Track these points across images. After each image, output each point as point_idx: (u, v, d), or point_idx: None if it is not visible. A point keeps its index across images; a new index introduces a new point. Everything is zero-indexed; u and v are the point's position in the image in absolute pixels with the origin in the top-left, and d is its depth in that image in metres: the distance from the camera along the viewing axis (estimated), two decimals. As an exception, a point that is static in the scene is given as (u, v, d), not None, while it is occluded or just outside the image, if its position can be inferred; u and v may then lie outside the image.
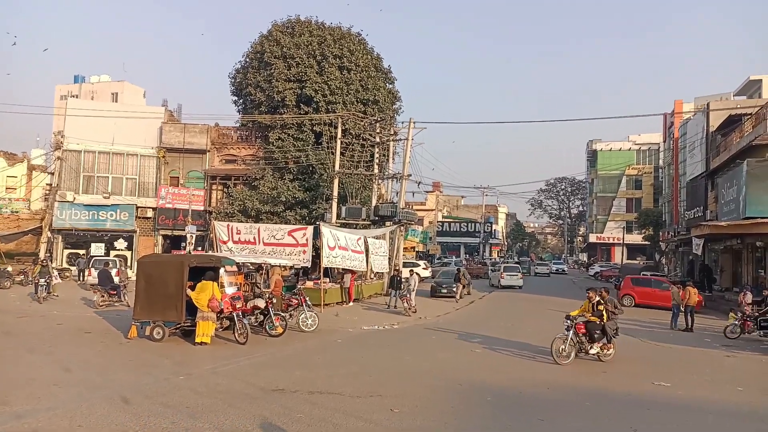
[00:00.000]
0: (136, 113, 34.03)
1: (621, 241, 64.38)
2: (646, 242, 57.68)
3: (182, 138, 34.31)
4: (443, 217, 70.84)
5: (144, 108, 37.72)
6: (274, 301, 14.68)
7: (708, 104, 35.65)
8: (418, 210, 65.14)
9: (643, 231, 57.29)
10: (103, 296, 19.46)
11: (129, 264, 30.99)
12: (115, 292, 19.74)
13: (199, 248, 30.23)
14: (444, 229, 65.70)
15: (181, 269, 13.29)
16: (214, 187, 34.66)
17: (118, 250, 33.30)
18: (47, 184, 36.87)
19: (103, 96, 60.42)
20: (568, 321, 12.09)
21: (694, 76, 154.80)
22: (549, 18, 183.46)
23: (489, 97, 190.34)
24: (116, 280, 21.23)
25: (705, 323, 20.27)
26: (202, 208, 33.50)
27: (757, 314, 16.69)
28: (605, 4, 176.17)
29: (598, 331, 12.04)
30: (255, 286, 15.70)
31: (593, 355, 12.19)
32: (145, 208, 33.84)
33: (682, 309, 19.24)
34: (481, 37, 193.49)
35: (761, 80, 38.12)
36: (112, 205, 33.34)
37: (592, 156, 78.00)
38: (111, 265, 25.02)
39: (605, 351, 12.22)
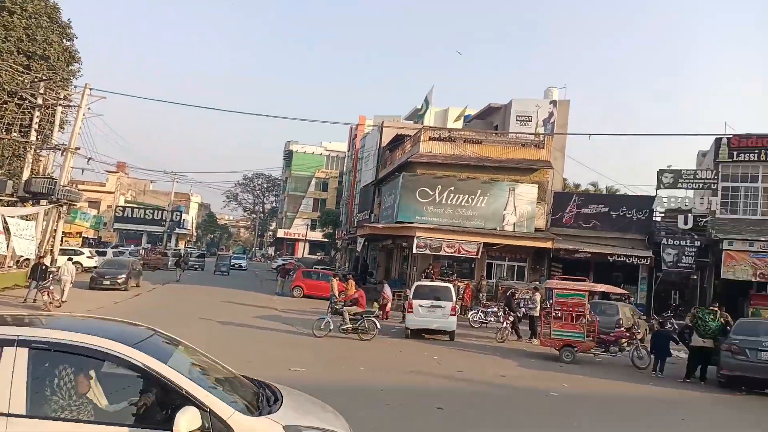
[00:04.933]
0: None
1: (304, 237, 69.16)
2: (326, 239, 63.27)
3: None
4: (126, 201, 64.60)
5: None
6: None
7: (383, 123, 41.05)
8: (95, 191, 57.96)
9: (324, 229, 62.66)
10: None
11: None
12: None
13: None
14: (126, 215, 59.70)
15: None
16: None
17: None
18: None
19: None
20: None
21: (386, 98, 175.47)
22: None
23: (197, 81, 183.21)
24: None
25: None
26: None
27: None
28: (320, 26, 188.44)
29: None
30: None
31: None
32: None
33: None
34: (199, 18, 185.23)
35: (422, 108, 45.63)
36: None
37: (289, 156, 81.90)
38: None
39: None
